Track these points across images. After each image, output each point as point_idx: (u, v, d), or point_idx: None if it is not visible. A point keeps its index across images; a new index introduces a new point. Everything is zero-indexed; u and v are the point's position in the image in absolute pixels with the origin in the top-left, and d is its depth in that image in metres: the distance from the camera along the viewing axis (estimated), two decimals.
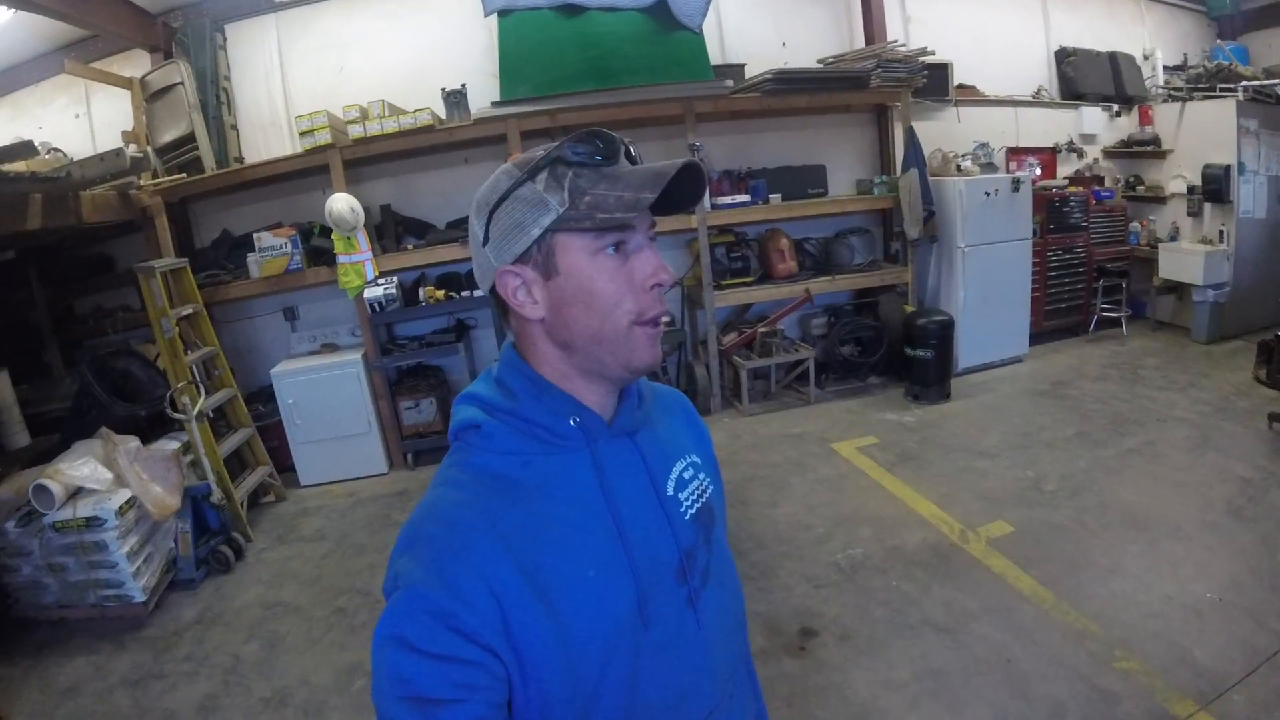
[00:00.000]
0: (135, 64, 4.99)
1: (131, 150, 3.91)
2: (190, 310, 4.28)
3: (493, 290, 0.81)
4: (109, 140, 4.96)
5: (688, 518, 0.86)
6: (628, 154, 0.78)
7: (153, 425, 4.18)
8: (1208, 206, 5.96)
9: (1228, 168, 5.70)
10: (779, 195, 5.30)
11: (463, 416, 0.82)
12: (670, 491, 0.86)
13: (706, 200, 5.09)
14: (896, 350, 5.30)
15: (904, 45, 5.42)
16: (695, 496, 0.89)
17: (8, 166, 3.38)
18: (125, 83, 4.90)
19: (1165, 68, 6.90)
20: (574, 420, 0.79)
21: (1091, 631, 2.58)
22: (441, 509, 0.75)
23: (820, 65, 5.41)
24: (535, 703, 0.72)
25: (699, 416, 1.04)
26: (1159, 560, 2.97)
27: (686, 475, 0.90)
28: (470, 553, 0.70)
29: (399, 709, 0.65)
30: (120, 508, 3.37)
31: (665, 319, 0.79)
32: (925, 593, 2.93)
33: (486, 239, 0.79)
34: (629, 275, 0.76)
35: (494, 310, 4.84)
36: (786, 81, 4.95)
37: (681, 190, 0.77)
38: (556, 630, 0.71)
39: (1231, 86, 6.01)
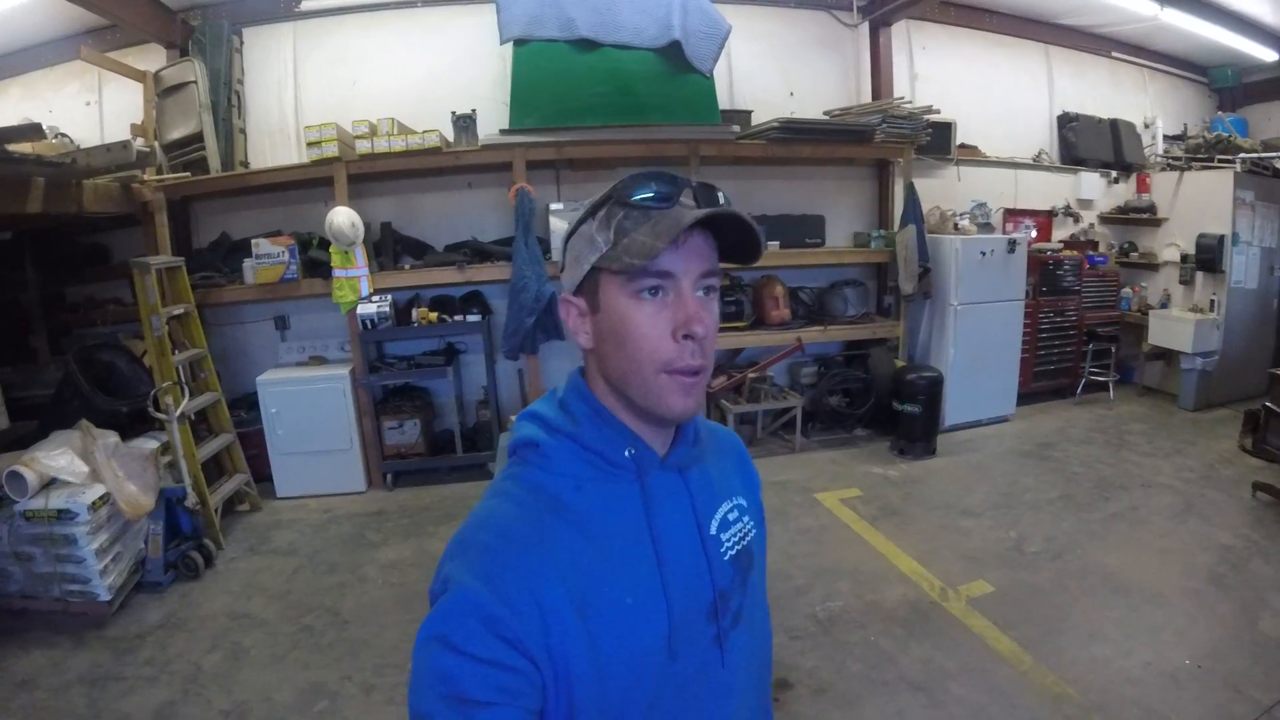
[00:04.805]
0: (150, 58, 5.00)
1: (139, 144, 3.93)
2: (182, 310, 4.27)
3: None
4: (117, 131, 4.97)
5: (727, 558, 0.88)
6: (700, 197, 0.79)
7: (133, 422, 4.14)
8: (1200, 275, 6.07)
9: (1222, 238, 5.81)
10: (777, 243, 5.34)
11: (524, 434, 0.84)
12: (713, 531, 0.87)
13: None
14: (884, 404, 5.32)
15: (910, 102, 5.50)
16: (737, 539, 0.91)
17: (14, 147, 3.37)
18: (139, 75, 4.91)
19: (1165, 136, 7.05)
20: (629, 451, 0.82)
21: (1069, 695, 2.58)
22: (495, 520, 0.77)
23: (826, 117, 5.48)
24: (564, 717, 0.73)
25: (751, 461, 1.05)
26: (1139, 626, 2.99)
27: (731, 517, 0.91)
28: (520, 565, 0.72)
29: (438, 706, 0.66)
30: (94, 503, 3.35)
31: (696, 365, 0.78)
32: (903, 649, 2.92)
33: (563, 266, 0.85)
34: (661, 322, 0.76)
35: (485, 338, 4.92)
36: (792, 130, 5.01)
37: (735, 240, 0.79)
38: (591, 650, 0.73)
39: (1230, 158, 6.14)
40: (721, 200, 0.80)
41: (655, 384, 0.77)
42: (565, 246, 0.84)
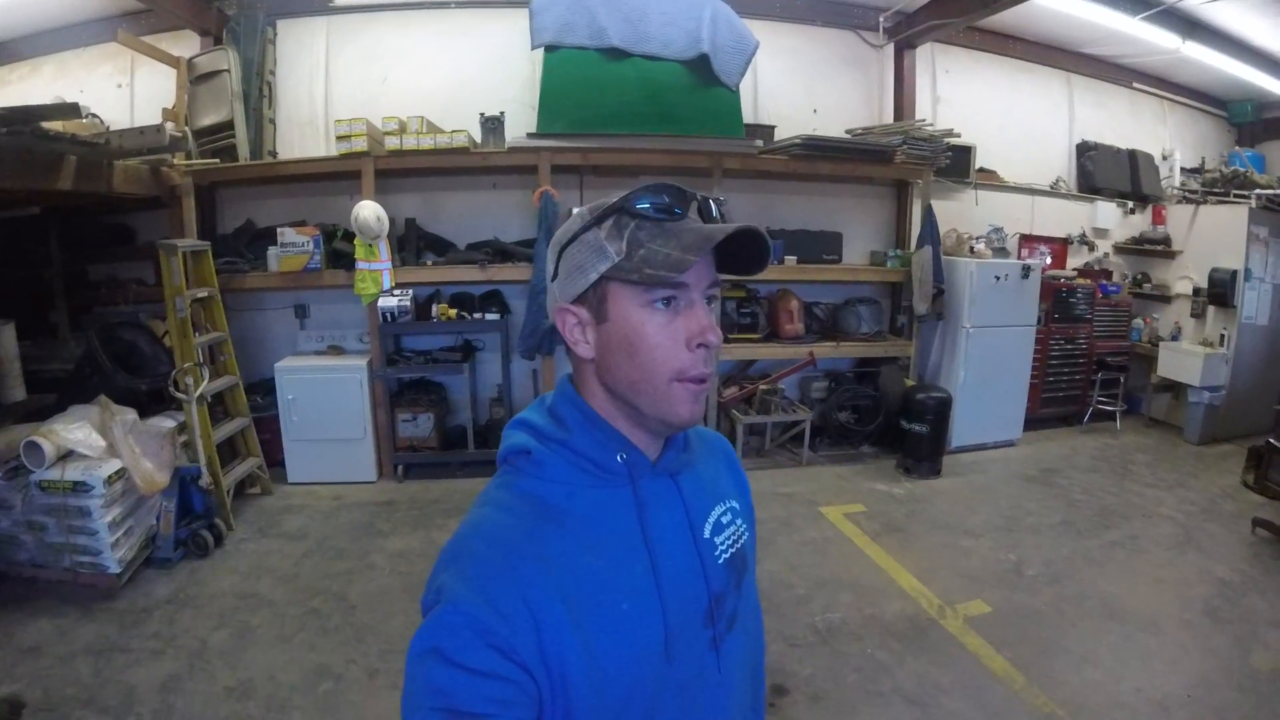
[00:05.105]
0: (184, 44, 5.06)
1: (170, 128, 3.98)
2: (205, 293, 4.34)
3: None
4: (148, 114, 5.04)
5: (721, 562, 0.88)
6: (704, 209, 0.80)
7: (151, 401, 4.18)
8: (1211, 309, 6.08)
9: (1235, 273, 5.82)
10: (794, 257, 5.38)
11: (514, 441, 0.84)
12: (707, 534, 0.88)
13: None
14: (892, 422, 5.35)
15: (931, 125, 5.54)
16: (731, 541, 0.91)
17: (48, 125, 3.43)
18: (173, 61, 4.96)
19: (1182, 169, 7.07)
20: (621, 457, 0.82)
21: (1059, 717, 2.61)
22: (487, 528, 0.77)
23: (848, 135, 5.52)
24: None
25: (740, 463, 1.06)
26: (1132, 653, 3.01)
27: (724, 520, 0.91)
28: (513, 573, 0.72)
29: (432, 719, 0.66)
30: (109, 477, 3.39)
31: (706, 373, 0.79)
32: (899, 663, 2.95)
33: (555, 274, 0.84)
34: (675, 331, 0.77)
35: (501, 336, 4.97)
36: (814, 147, 5.07)
37: (744, 253, 0.80)
38: (587, 657, 0.72)
39: (1245, 193, 6.17)
40: (715, 213, 0.81)
41: (667, 392, 0.78)
42: (560, 254, 0.82)
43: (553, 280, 0.84)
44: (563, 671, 0.71)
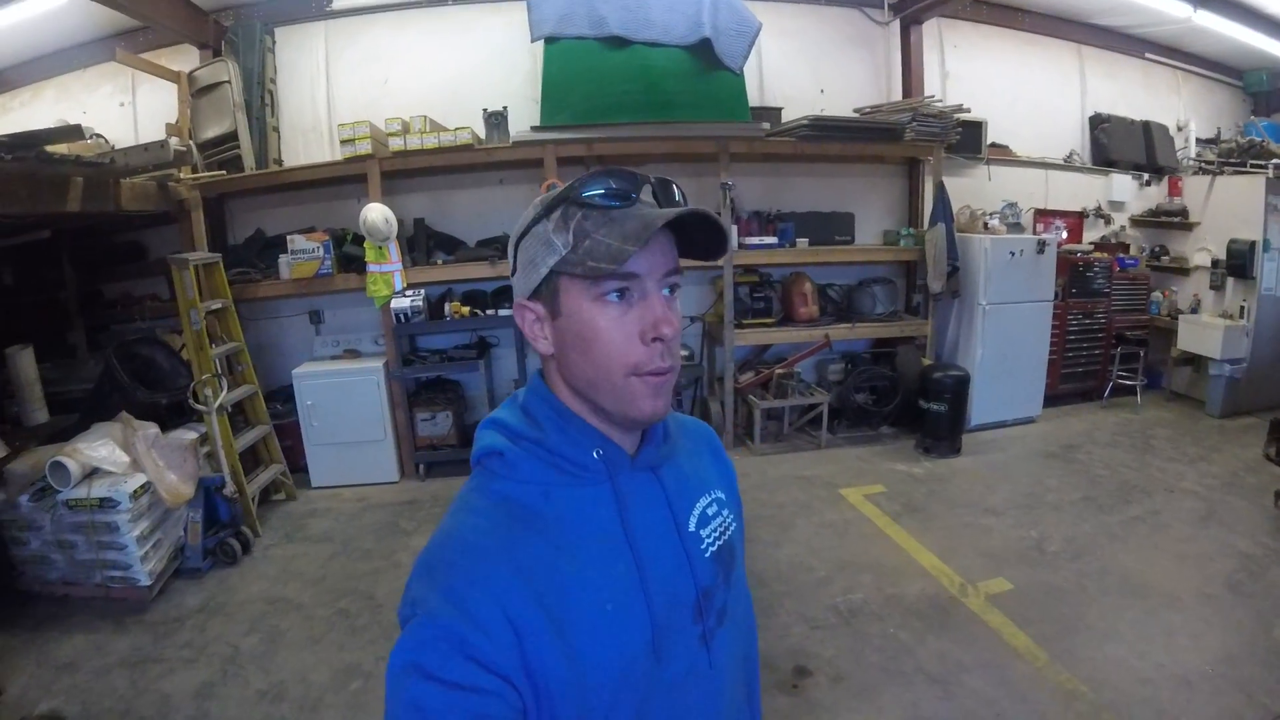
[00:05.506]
0: (184, 58, 5.07)
1: (175, 143, 3.98)
2: (219, 305, 4.36)
3: None
4: (152, 130, 5.05)
5: (708, 555, 0.85)
6: (660, 194, 0.77)
7: (172, 414, 4.23)
8: (1230, 281, 5.97)
9: (1253, 244, 5.72)
10: (806, 240, 5.35)
11: (486, 443, 0.81)
12: (692, 528, 0.85)
13: (734, 239, 5.13)
14: (910, 402, 5.30)
15: (940, 101, 5.46)
16: (717, 534, 0.88)
17: (53, 148, 3.45)
18: (173, 76, 4.98)
19: (1198, 140, 6.94)
20: (597, 453, 0.79)
21: (1081, 693, 2.60)
22: (460, 535, 0.74)
23: (856, 114, 5.46)
24: None
25: (725, 452, 1.02)
26: (1154, 628, 2.99)
27: (710, 512, 0.88)
28: (488, 581, 0.70)
29: None
30: (134, 491, 3.43)
31: (665, 367, 0.76)
32: (920, 642, 2.95)
33: (514, 269, 0.81)
34: (629, 325, 0.74)
35: (516, 332, 4.97)
36: (822, 128, 5.01)
37: (700, 239, 0.77)
38: (570, 662, 0.70)
39: (1262, 163, 6.04)
40: (678, 196, 0.78)
41: (625, 388, 0.75)
42: (515, 249, 0.80)
43: (512, 275, 0.82)
44: (545, 678, 0.69)
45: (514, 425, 0.81)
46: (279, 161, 5.13)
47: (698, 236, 0.77)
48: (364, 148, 4.60)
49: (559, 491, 0.78)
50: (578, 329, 0.75)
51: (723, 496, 0.92)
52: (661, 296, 0.75)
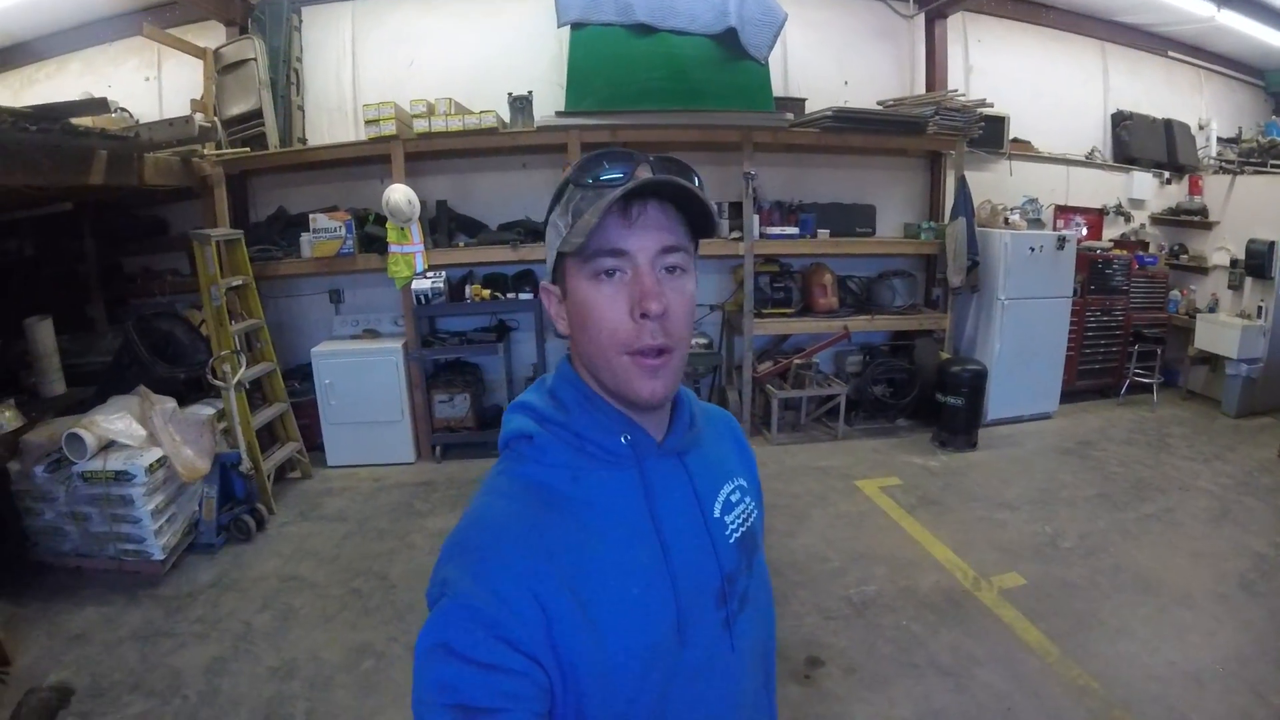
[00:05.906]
0: (210, 35, 5.08)
1: (199, 119, 3.99)
2: (240, 282, 4.37)
3: None
4: (176, 106, 5.06)
5: (732, 541, 0.86)
6: (657, 171, 0.75)
7: (189, 389, 4.25)
8: (1249, 281, 5.95)
9: (1272, 244, 5.69)
10: (827, 231, 5.35)
11: (515, 426, 0.82)
12: (716, 514, 0.86)
13: (755, 229, 5.13)
14: (928, 395, 5.30)
15: (963, 95, 5.45)
16: (740, 520, 0.89)
17: (77, 121, 3.45)
18: (199, 52, 4.98)
19: (1219, 139, 6.92)
20: (625, 438, 0.79)
21: (1092, 689, 2.60)
22: (489, 518, 0.75)
23: (880, 107, 5.45)
24: (572, 716, 0.71)
25: (746, 440, 1.03)
26: (1166, 626, 2.99)
27: (734, 498, 0.89)
28: (517, 563, 0.70)
29: (443, 716, 0.64)
30: (150, 465, 3.43)
31: (655, 345, 0.74)
32: (933, 635, 2.95)
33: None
34: (619, 302, 0.74)
35: (536, 316, 4.97)
36: (845, 120, 5.01)
37: (699, 221, 0.77)
38: (596, 644, 0.71)
39: None
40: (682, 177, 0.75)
41: (619, 367, 0.75)
42: (545, 236, 0.83)
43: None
44: (572, 661, 0.70)
45: (542, 409, 0.81)
46: (303, 140, 5.13)
47: (695, 214, 0.77)
48: (388, 128, 4.60)
49: (586, 476, 0.78)
50: (577, 308, 0.76)
51: (745, 484, 0.93)
52: (654, 274, 0.74)
